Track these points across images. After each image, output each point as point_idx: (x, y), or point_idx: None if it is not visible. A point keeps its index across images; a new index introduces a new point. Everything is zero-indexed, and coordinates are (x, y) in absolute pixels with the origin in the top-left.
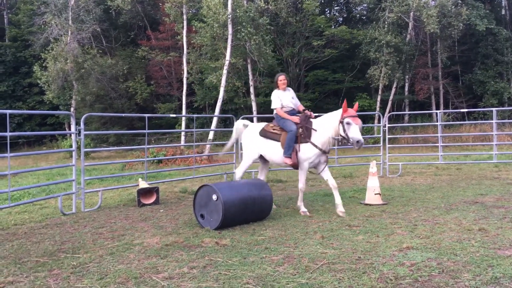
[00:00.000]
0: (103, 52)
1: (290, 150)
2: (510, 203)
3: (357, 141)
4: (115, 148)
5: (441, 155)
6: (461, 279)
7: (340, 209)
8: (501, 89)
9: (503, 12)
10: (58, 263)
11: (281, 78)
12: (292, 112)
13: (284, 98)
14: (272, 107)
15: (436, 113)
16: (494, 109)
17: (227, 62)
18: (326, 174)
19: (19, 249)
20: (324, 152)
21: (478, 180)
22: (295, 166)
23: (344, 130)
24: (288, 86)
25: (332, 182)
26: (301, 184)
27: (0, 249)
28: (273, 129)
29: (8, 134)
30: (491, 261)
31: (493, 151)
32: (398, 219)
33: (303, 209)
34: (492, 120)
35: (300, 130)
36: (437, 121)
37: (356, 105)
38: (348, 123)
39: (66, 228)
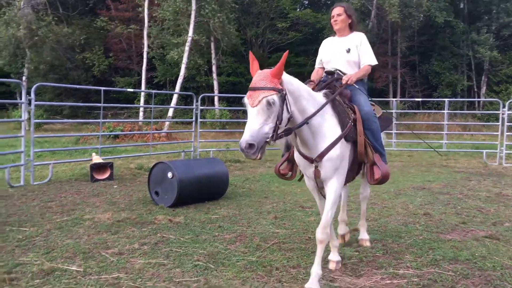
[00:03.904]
0: (59, 20)
1: (284, 149)
2: (455, 190)
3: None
4: (69, 120)
5: (394, 142)
6: (403, 260)
7: (331, 265)
8: (455, 80)
9: (461, 5)
10: (2, 236)
11: (334, 13)
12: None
13: (329, 51)
14: None
15: (393, 101)
16: (446, 99)
17: (189, 39)
18: (326, 201)
19: None
20: (306, 158)
21: (427, 167)
22: (284, 176)
23: None
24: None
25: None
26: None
27: None
28: None
29: None
30: (432, 244)
31: (443, 140)
32: (349, 201)
33: (332, 256)
34: (444, 110)
35: None
36: (393, 109)
37: (270, 71)
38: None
39: (13, 201)
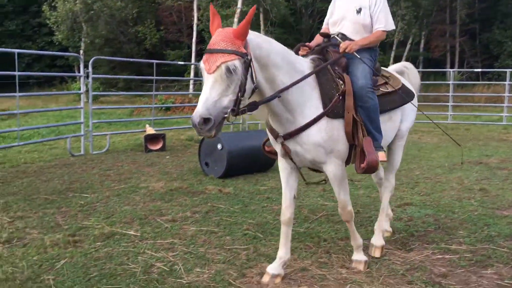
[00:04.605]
0: None
1: None
2: None
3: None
4: (124, 93)
5: (450, 114)
6: (456, 235)
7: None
8: None
9: None
10: (66, 201)
11: None
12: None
13: (338, 11)
14: None
15: (450, 71)
16: (508, 70)
17: (238, 10)
18: (332, 186)
19: (29, 186)
20: (273, 133)
21: (485, 141)
22: (270, 154)
23: None
24: None
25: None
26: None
27: (10, 186)
28: None
29: (17, 73)
30: (488, 220)
31: (504, 113)
32: (401, 176)
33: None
34: (506, 81)
35: None
36: (450, 80)
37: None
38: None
39: (74, 169)
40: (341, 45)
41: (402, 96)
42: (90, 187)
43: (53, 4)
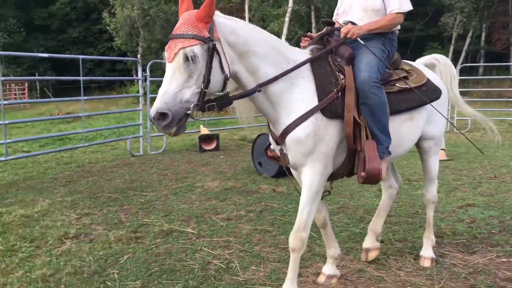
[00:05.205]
0: None
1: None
2: None
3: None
4: None
5: None
6: None
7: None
8: None
9: None
10: (128, 199)
11: None
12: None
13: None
14: None
15: None
16: None
17: (289, 9)
18: (301, 196)
19: (93, 185)
20: (273, 136)
21: None
22: (273, 159)
23: None
24: None
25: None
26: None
27: (77, 184)
28: None
29: (81, 78)
30: None
31: None
32: (462, 175)
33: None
34: None
35: None
36: None
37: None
38: None
39: (134, 168)
40: (341, 29)
41: (426, 93)
42: (149, 186)
43: (112, 11)
